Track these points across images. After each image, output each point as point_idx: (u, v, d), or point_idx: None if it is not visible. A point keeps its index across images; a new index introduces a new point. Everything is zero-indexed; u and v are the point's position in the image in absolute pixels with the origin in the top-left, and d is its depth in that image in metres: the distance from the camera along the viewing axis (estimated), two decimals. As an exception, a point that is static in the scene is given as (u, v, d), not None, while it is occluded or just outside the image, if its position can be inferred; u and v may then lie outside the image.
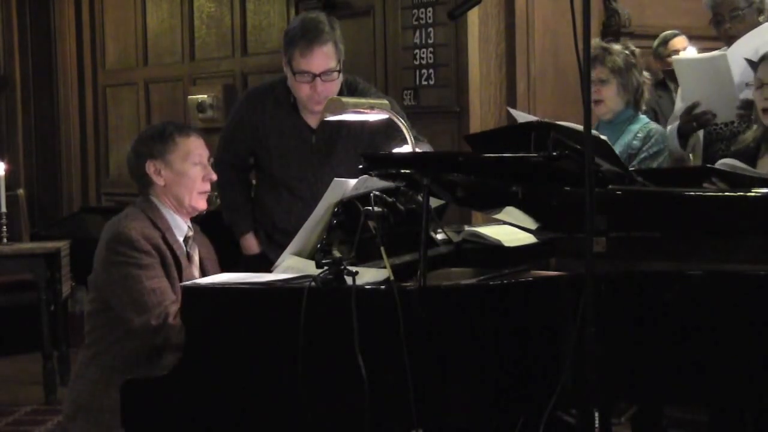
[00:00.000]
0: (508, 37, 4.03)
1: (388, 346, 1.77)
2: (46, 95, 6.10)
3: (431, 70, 4.14)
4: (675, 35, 4.22)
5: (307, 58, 2.59)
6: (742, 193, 2.14)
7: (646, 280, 1.89)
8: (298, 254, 2.06)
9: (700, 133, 3.10)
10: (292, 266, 2.02)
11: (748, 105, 2.85)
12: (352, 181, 2.02)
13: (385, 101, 2.48)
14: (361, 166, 1.93)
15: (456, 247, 2.26)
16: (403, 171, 1.96)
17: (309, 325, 1.79)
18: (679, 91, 3.30)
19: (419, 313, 1.76)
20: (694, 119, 3.02)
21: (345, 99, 2.40)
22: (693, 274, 1.88)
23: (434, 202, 2.12)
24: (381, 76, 4.32)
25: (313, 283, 1.80)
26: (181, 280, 2.20)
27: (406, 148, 2.30)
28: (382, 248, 1.82)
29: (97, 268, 2.26)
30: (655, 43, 4.28)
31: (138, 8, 5.77)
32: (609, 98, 2.92)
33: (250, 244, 2.84)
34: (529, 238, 2.25)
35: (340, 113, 2.31)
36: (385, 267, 1.81)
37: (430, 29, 4.13)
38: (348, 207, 2.01)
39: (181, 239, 2.32)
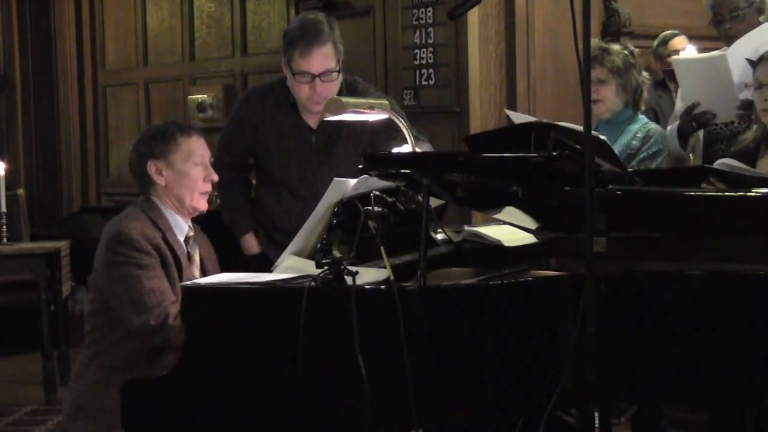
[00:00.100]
0: (508, 37, 4.03)
1: (388, 346, 1.77)
2: (46, 95, 6.10)
3: (431, 70, 4.14)
4: (675, 35, 4.22)
5: (307, 59, 2.59)
6: (742, 193, 2.14)
7: (646, 280, 1.90)
8: (298, 254, 2.06)
9: (700, 133, 3.10)
10: (292, 266, 2.02)
11: (747, 105, 2.85)
12: (352, 181, 2.02)
13: (385, 101, 2.48)
14: (361, 166, 1.93)
15: (456, 247, 2.26)
16: (403, 171, 1.96)
17: (309, 325, 1.79)
18: (679, 91, 3.30)
19: (419, 313, 1.76)
20: (693, 119, 3.02)
21: (345, 99, 2.40)
22: (693, 274, 1.88)
23: (434, 202, 2.12)
24: (381, 76, 4.32)
25: (313, 283, 1.80)
26: (181, 280, 2.20)
27: (406, 148, 2.31)
28: (382, 248, 1.82)
29: (98, 268, 2.26)
30: (655, 43, 4.28)
31: (138, 8, 5.77)
32: (608, 98, 2.92)
33: (250, 244, 2.84)
34: (529, 238, 2.25)
35: (340, 113, 2.31)
36: (385, 267, 1.81)
37: (430, 29, 4.13)
38: (348, 207, 2.01)
39: (181, 239, 2.32)
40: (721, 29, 3.12)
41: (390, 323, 1.75)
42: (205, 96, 5.29)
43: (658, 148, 2.88)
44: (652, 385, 1.90)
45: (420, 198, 1.93)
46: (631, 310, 1.87)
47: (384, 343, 1.77)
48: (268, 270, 2.09)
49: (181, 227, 2.33)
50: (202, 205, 2.35)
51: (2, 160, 4.30)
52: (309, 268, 1.94)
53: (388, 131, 2.54)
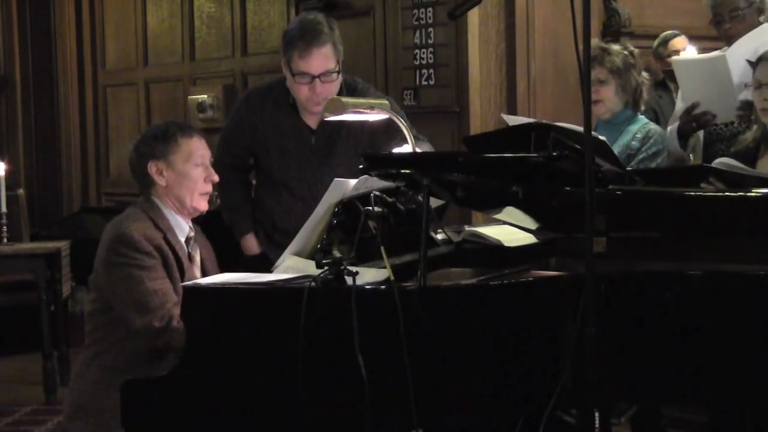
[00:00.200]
0: (508, 37, 4.03)
1: (388, 346, 1.77)
2: (47, 95, 6.10)
3: (431, 70, 4.14)
4: (675, 35, 4.21)
5: (306, 60, 2.59)
6: (742, 193, 2.14)
7: (646, 280, 1.90)
8: (299, 254, 2.06)
9: (700, 133, 3.10)
10: (292, 266, 2.02)
11: (747, 106, 2.85)
12: (352, 181, 2.02)
13: (385, 101, 2.48)
14: (361, 166, 1.93)
15: (456, 247, 2.26)
16: (403, 171, 1.96)
17: (309, 325, 1.79)
18: (679, 91, 3.30)
19: (419, 313, 1.77)
20: (693, 120, 3.02)
21: (345, 99, 2.40)
22: (693, 274, 1.88)
23: (434, 202, 2.12)
24: (381, 76, 4.32)
25: (313, 283, 1.80)
26: (183, 281, 2.20)
27: (406, 148, 2.31)
28: (382, 248, 1.82)
29: (99, 269, 2.26)
30: (655, 43, 4.28)
31: (138, 8, 5.77)
32: (607, 98, 2.93)
33: (251, 244, 2.85)
34: (529, 238, 2.25)
35: (340, 113, 2.31)
36: (385, 267, 1.81)
37: (431, 29, 4.13)
38: (348, 207, 2.01)
39: (182, 240, 2.32)
40: (721, 29, 3.12)
41: (390, 323, 1.75)
42: (205, 96, 5.29)
43: (658, 149, 2.88)
44: (652, 385, 1.90)
45: (420, 198, 1.93)
46: (631, 310, 1.87)
47: (384, 343, 1.77)
48: (269, 270, 2.09)
49: (182, 228, 2.33)
50: (203, 206, 2.35)
51: (2, 161, 4.30)
52: (309, 268, 1.94)
53: (388, 131, 2.54)
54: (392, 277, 1.79)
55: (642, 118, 2.99)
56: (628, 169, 2.42)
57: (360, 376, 1.73)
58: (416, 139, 2.42)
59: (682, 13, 4.25)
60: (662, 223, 2.05)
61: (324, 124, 2.67)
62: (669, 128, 3.11)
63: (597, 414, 2.05)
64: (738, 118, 2.96)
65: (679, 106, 3.19)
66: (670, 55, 4.02)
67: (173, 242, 2.27)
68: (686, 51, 3.85)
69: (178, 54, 5.59)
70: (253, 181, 2.94)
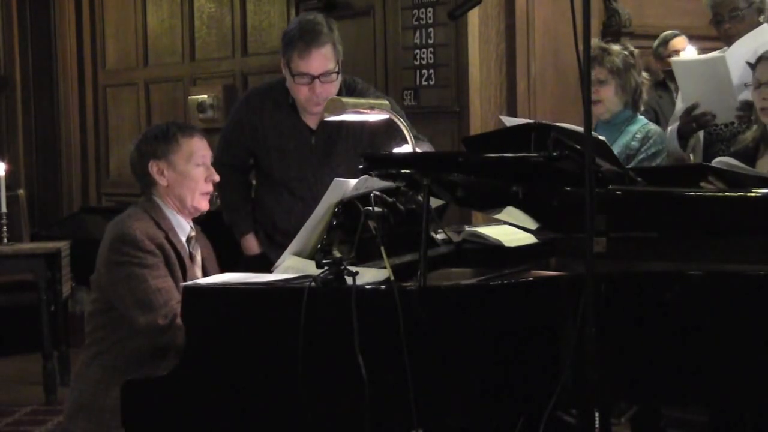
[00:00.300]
0: (508, 37, 4.03)
1: (388, 346, 1.77)
2: (47, 95, 6.10)
3: (431, 71, 4.14)
4: (675, 35, 4.21)
5: (306, 60, 2.59)
6: (742, 193, 2.14)
7: (646, 281, 1.90)
8: (299, 254, 2.07)
9: (701, 134, 3.10)
10: (292, 266, 2.02)
11: (747, 106, 2.84)
12: (353, 182, 2.02)
13: (385, 101, 2.48)
14: (361, 167, 1.93)
15: (456, 247, 2.26)
16: (403, 171, 1.96)
17: (309, 326, 1.79)
18: (679, 92, 3.29)
19: (419, 313, 1.77)
20: (693, 120, 3.02)
21: (345, 99, 2.40)
22: (693, 274, 1.88)
23: (434, 202, 2.12)
24: (381, 77, 4.32)
25: (313, 284, 1.80)
26: (185, 281, 2.20)
27: (406, 148, 2.31)
28: (382, 248, 1.82)
29: (100, 268, 2.26)
30: (656, 43, 4.28)
31: (138, 8, 5.77)
32: (607, 99, 2.92)
33: (251, 244, 2.85)
34: (529, 238, 2.25)
35: (340, 113, 2.31)
36: (385, 267, 1.81)
37: (431, 29, 4.13)
38: (348, 207, 2.01)
39: (184, 239, 2.32)
40: (720, 29, 3.12)
41: (390, 323, 1.75)
42: (205, 96, 5.29)
43: (657, 149, 2.88)
44: (653, 385, 1.90)
45: (420, 198, 1.93)
46: (631, 310, 1.87)
47: (384, 343, 1.77)
48: (269, 270, 2.09)
49: (183, 227, 2.33)
50: (204, 206, 2.35)
51: (2, 161, 4.30)
52: (309, 268, 1.94)
53: (388, 131, 2.54)
54: (392, 277, 1.79)
55: (641, 119, 2.99)
56: (627, 167, 2.41)
57: (360, 376, 1.73)
58: (416, 139, 2.42)
59: (682, 13, 4.25)
60: (662, 223, 2.05)
61: (324, 125, 2.67)
62: (669, 129, 3.11)
63: (597, 414, 2.05)
64: (738, 118, 2.96)
65: (679, 106, 3.19)
66: (670, 55, 4.02)
67: (175, 242, 2.27)
68: (686, 51, 3.85)
69: (179, 54, 5.59)
70: (253, 182, 2.94)
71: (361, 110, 2.34)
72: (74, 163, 6.10)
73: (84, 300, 4.77)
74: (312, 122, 2.73)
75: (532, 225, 2.19)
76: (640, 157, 2.86)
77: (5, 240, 4.07)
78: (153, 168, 2.30)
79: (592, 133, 1.78)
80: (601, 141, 2.18)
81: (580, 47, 1.63)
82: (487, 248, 2.25)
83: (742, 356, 1.86)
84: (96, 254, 2.30)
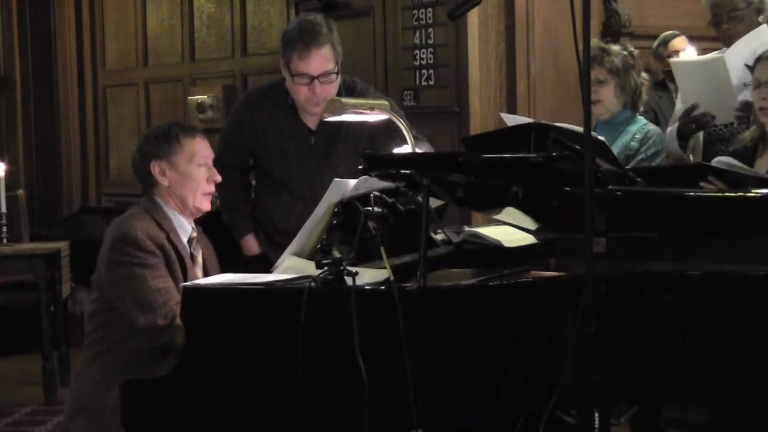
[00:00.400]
0: (508, 37, 4.03)
1: (388, 347, 1.77)
2: (46, 96, 6.10)
3: (431, 71, 4.14)
4: (675, 36, 4.22)
5: (305, 61, 2.59)
6: (742, 194, 2.14)
7: (646, 281, 1.90)
8: (298, 255, 2.07)
9: (700, 134, 3.10)
10: (292, 267, 2.02)
11: (747, 107, 2.84)
12: (352, 182, 2.02)
13: (385, 102, 2.48)
14: (361, 167, 1.93)
15: (456, 248, 2.26)
16: (402, 171, 1.96)
17: (309, 326, 1.79)
18: (679, 93, 3.29)
19: (419, 314, 1.77)
20: (693, 121, 3.02)
21: (345, 99, 2.40)
22: (693, 274, 1.88)
23: (434, 203, 2.12)
24: (381, 77, 4.32)
25: (312, 284, 1.80)
26: (185, 281, 2.20)
27: (406, 149, 2.31)
28: (381, 249, 1.82)
29: (101, 268, 2.26)
30: (655, 43, 4.28)
31: (138, 8, 5.77)
32: (606, 99, 2.93)
33: (251, 245, 2.85)
34: (528, 239, 2.25)
35: (340, 114, 2.31)
36: (384, 267, 1.81)
37: (430, 30, 4.13)
38: (348, 207, 2.01)
39: (185, 240, 2.32)
40: (719, 30, 3.12)
41: (390, 324, 1.75)
42: (205, 96, 5.29)
43: (657, 149, 2.88)
44: (653, 385, 1.90)
45: (420, 198, 1.93)
46: (630, 310, 1.87)
47: (384, 343, 1.77)
48: (268, 271, 2.09)
49: (185, 228, 2.33)
50: (205, 206, 2.35)
51: (2, 161, 4.30)
52: (309, 268, 1.94)
53: (387, 132, 2.54)
54: (392, 278, 1.79)
55: (641, 119, 2.99)
56: (627, 168, 2.42)
57: (360, 376, 1.73)
58: (416, 139, 2.42)
59: (682, 13, 4.25)
60: (662, 223, 2.06)
61: (323, 125, 2.67)
62: (669, 129, 3.11)
63: (596, 414, 2.05)
64: (737, 119, 2.96)
65: (679, 107, 3.19)
66: (670, 56, 4.02)
67: (176, 242, 2.27)
68: (686, 51, 3.85)
69: (178, 54, 5.59)
70: (253, 182, 2.94)
71: (361, 111, 2.34)
72: (74, 163, 6.10)
73: (84, 300, 4.77)
74: (311, 123, 2.73)
75: (532, 225, 2.19)
76: (639, 157, 2.86)
77: (5, 240, 4.07)
78: (155, 168, 2.30)
79: (592, 133, 1.78)
80: (601, 141, 2.18)
81: (580, 47, 1.63)
82: (487, 249, 2.25)
83: (741, 356, 1.86)
84: (96, 254, 2.30)
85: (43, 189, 6.06)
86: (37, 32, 6.04)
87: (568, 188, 2.01)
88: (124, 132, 5.85)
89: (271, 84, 2.83)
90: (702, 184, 2.20)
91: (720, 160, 2.39)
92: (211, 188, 2.35)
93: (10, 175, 4.46)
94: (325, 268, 1.83)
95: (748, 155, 2.59)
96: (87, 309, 2.37)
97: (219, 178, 2.36)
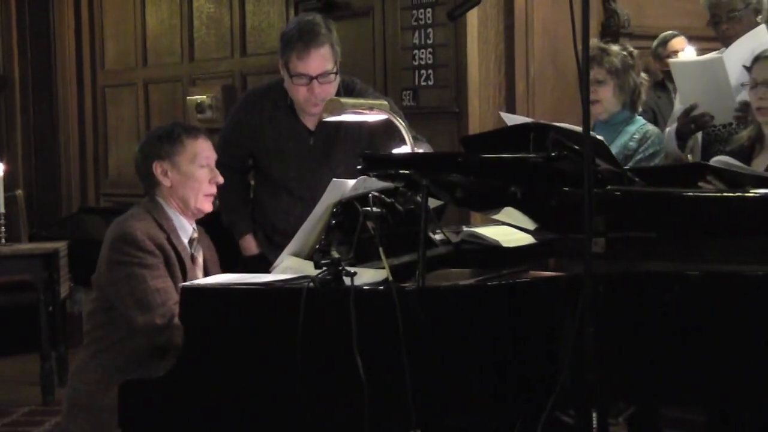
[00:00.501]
0: (507, 37, 4.03)
1: (386, 347, 1.77)
2: (45, 96, 6.09)
3: (430, 71, 4.14)
4: (674, 36, 4.21)
5: (304, 61, 2.59)
6: (740, 194, 2.14)
7: (645, 281, 1.90)
8: (297, 255, 2.06)
9: (699, 135, 3.10)
10: (290, 267, 2.02)
11: (745, 107, 2.84)
12: (351, 182, 2.02)
13: (384, 102, 2.48)
14: (359, 167, 1.93)
15: (455, 248, 2.26)
16: (401, 172, 1.96)
17: (307, 326, 1.79)
18: (677, 93, 3.29)
19: (418, 314, 1.76)
20: (692, 121, 3.02)
21: (344, 99, 2.40)
22: (692, 274, 1.88)
23: (433, 203, 2.12)
24: (380, 77, 4.32)
25: (311, 284, 1.80)
26: (185, 282, 2.20)
27: (405, 149, 2.31)
28: (380, 249, 1.82)
29: (101, 268, 2.26)
30: (654, 43, 4.28)
31: (137, 9, 5.77)
32: (605, 99, 2.93)
33: (249, 245, 2.85)
34: (527, 239, 2.25)
35: (339, 114, 2.31)
36: (383, 267, 1.81)
37: (430, 30, 4.13)
38: (347, 207, 2.01)
39: (186, 241, 2.32)
40: (718, 30, 3.12)
41: (389, 324, 1.75)
42: (204, 97, 5.28)
43: (655, 150, 2.88)
44: (651, 385, 1.90)
45: (419, 198, 1.93)
46: (629, 310, 1.87)
47: (383, 343, 1.77)
48: (267, 271, 2.09)
49: (186, 229, 2.33)
50: (207, 207, 2.35)
51: (1, 161, 4.30)
52: (307, 268, 1.94)
53: (386, 132, 2.53)
54: (391, 278, 1.79)
55: (640, 119, 2.99)
56: (626, 167, 2.41)
57: (358, 376, 1.73)
58: (415, 139, 2.42)
59: (681, 13, 4.25)
60: (661, 223, 2.05)
61: (322, 125, 2.67)
62: (667, 130, 3.11)
63: (594, 414, 2.05)
64: (736, 119, 2.96)
65: (677, 107, 3.19)
66: (669, 56, 4.02)
67: (176, 243, 2.27)
68: (685, 51, 3.84)
69: (177, 54, 5.59)
70: (252, 182, 2.94)
71: (360, 111, 2.34)
72: (73, 163, 6.10)
73: (82, 300, 4.77)
74: (310, 123, 2.73)
75: (531, 225, 2.19)
76: (638, 157, 2.86)
77: (3, 240, 4.07)
78: (157, 169, 2.30)
79: (591, 133, 1.78)
80: (600, 141, 2.18)
81: (579, 48, 1.63)
82: (486, 249, 2.25)
83: (740, 356, 1.86)
84: (94, 255, 2.30)
85: (42, 189, 6.06)
86: (36, 32, 6.03)
87: (567, 188, 2.01)
88: (123, 132, 5.85)
89: (270, 84, 2.83)
90: (701, 183, 2.20)
91: (719, 160, 2.39)
92: (213, 189, 2.35)
93: (8, 175, 4.45)
94: (324, 268, 1.82)
95: (745, 155, 2.59)
96: (86, 308, 2.37)
97: (221, 180, 2.35)
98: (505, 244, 2.23)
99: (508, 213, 2.16)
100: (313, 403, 1.80)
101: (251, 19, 5.20)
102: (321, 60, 2.60)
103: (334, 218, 2.00)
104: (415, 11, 4.17)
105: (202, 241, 2.41)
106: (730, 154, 2.58)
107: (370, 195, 1.98)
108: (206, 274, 2.37)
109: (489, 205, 2.19)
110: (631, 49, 3.03)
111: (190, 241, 2.34)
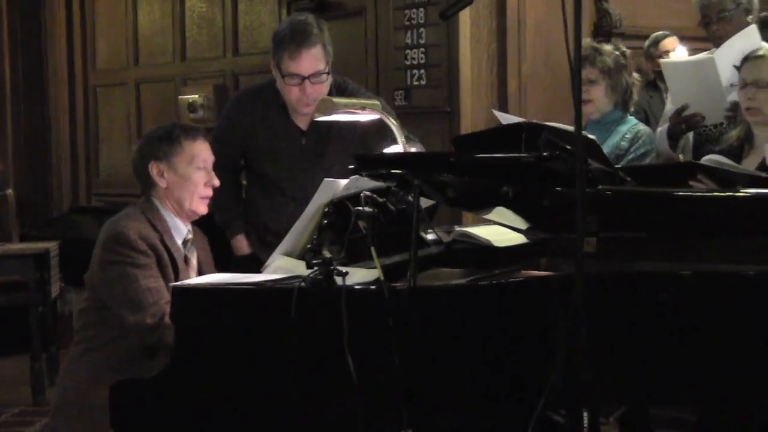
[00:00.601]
0: (499, 37, 4.04)
1: (378, 347, 1.76)
2: (37, 95, 6.07)
3: (422, 71, 4.14)
4: (666, 36, 4.23)
5: (296, 61, 2.59)
6: (732, 193, 2.15)
7: (637, 281, 1.90)
8: (289, 254, 2.06)
9: (690, 134, 3.11)
10: (282, 266, 2.01)
11: (736, 107, 2.85)
12: (343, 182, 2.02)
13: (376, 101, 2.48)
14: (352, 167, 1.93)
15: (446, 248, 2.26)
16: (393, 171, 1.96)
17: (299, 326, 1.78)
18: (669, 93, 3.30)
19: (409, 314, 1.76)
20: (683, 121, 3.03)
21: (336, 99, 2.40)
22: (684, 274, 1.88)
23: (425, 203, 2.12)
24: (372, 77, 4.32)
25: (302, 284, 1.80)
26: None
27: (397, 149, 2.30)
28: (372, 248, 1.82)
29: (94, 267, 2.26)
30: (646, 43, 4.29)
31: (129, 8, 5.75)
32: (597, 98, 2.93)
33: (242, 245, 2.84)
34: (519, 239, 2.25)
35: (331, 114, 2.31)
36: (375, 267, 1.81)
37: (422, 29, 4.13)
38: (339, 207, 2.00)
39: (179, 242, 2.31)
40: (709, 30, 3.13)
41: (380, 324, 1.75)
42: (196, 96, 5.27)
43: (647, 149, 2.89)
44: (644, 385, 1.90)
45: (411, 198, 1.93)
46: (621, 310, 1.87)
47: (374, 343, 1.77)
48: (259, 271, 2.08)
49: (180, 230, 2.32)
50: (202, 210, 2.34)
51: (-8, 161, 4.28)
52: (299, 268, 1.94)
53: (379, 132, 2.53)
54: (382, 278, 1.79)
55: (631, 119, 3.00)
56: (617, 166, 2.42)
57: (350, 376, 1.73)
58: (407, 139, 2.42)
59: (673, 13, 4.26)
60: (653, 223, 2.06)
61: (314, 125, 2.67)
62: (659, 130, 3.12)
63: (586, 414, 2.05)
64: (727, 119, 2.97)
65: (669, 107, 3.20)
66: (661, 56, 4.03)
67: (169, 244, 2.26)
68: (677, 51, 3.86)
69: (169, 54, 5.58)
70: (244, 182, 2.93)
71: (352, 110, 2.34)
72: (64, 163, 6.08)
73: (73, 301, 4.75)
74: (302, 123, 2.73)
75: (523, 225, 2.19)
76: (630, 157, 2.87)
77: (-6, 240, 4.05)
78: (153, 169, 2.30)
79: (583, 132, 1.78)
80: (592, 140, 2.18)
81: (571, 47, 1.63)
82: (478, 248, 2.25)
83: (733, 356, 1.86)
84: (86, 254, 2.30)
85: (33, 189, 6.03)
86: (27, 31, 6.01)
87: (559, 188, 2.01)
88: (114, 132, 5.83)
89: (262, 84, 2.83)
90: (692, 182, 2.20)
91: (710, 159, 2.40)
92: (209, 192, 2.34)
93: (-1, 175, 4.44)
94: (315, 267, 1.82)
95: (735, 155, 2.60)
96: (78, 306, 2.36)
97: (217, 183, 2.35)
98: (497, 244, 2.23)
99: (500, 213, 2.15)
100: (304, 403, 1.80)
101: (243, 19, 5.19)
102: (313, 60, 2.59)
103: (325, 218, 2.00)
104: (407, 11, 4.17)
105: (197, 242, 2.40)
106: (720, 153, 2.59)
107: (362, 194, 1.97)
108: (200, 275, 2.36)
109: (481, 205, 2.19)
110: (624, 49, 3.03)
111: (184, 242, 2.33)
